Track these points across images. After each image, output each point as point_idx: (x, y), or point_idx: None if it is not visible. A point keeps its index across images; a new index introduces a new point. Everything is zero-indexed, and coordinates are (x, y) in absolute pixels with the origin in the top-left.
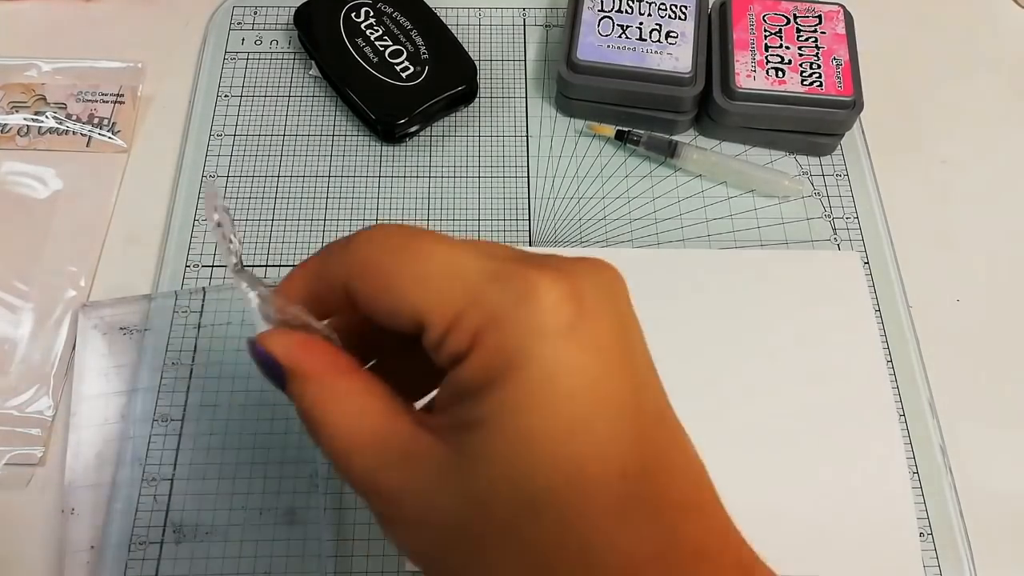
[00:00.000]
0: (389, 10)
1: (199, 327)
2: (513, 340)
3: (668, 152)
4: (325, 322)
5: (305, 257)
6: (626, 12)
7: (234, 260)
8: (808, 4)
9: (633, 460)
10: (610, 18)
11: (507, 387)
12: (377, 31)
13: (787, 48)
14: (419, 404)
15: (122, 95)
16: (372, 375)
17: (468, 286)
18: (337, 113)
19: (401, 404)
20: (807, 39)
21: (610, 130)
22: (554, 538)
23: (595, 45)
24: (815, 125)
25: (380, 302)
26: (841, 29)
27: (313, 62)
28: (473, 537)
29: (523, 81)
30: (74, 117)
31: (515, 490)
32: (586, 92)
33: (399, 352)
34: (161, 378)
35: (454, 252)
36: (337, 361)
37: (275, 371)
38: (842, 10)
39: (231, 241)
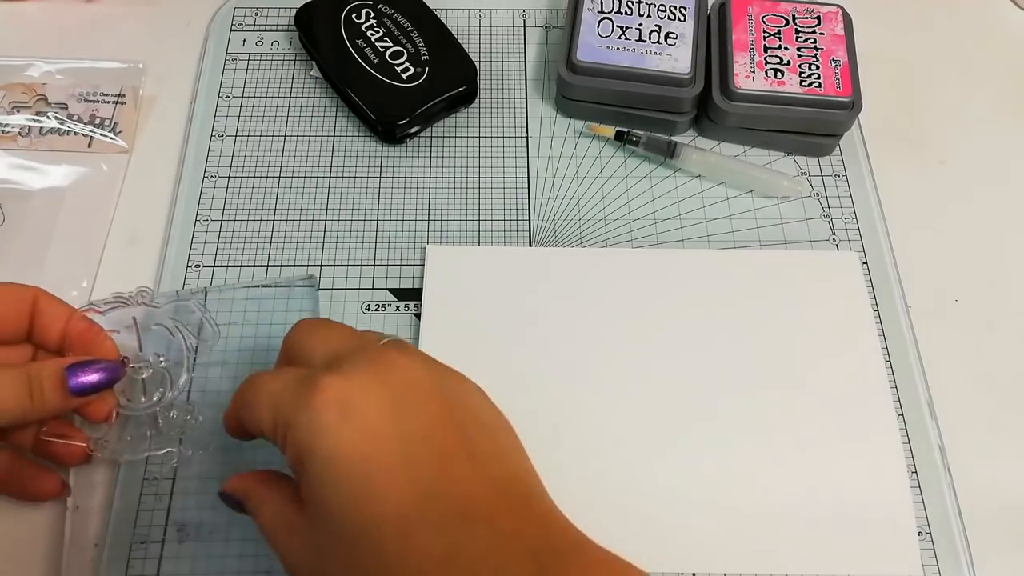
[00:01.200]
0: (389, 11)
1: (200, 326)
2: (301, 439)
3: (667, 153)
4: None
5: (303, 258)
6: (625, 13)
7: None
8: (807, 5)
9: (408, 495)
10: (610, 19)
11: (306, 473)
12: (378, 32)
13: (786, 49)
14: None
15: (123, 95)
16: (278, 478)
17: (275, 402)
18: (338, 114)
19: (293, 490)
20: (806, 40)
21: (609, 131)
22: (366, 560)
23: (595, 46)
24: (814, 126)
25: (248, 424)
26: (840, 30)
27: (314, 63)
28: (323, 570)
29: (523, 82)
30: (75, 117)
31: (334, 540)
32: (586, 93)
33: None
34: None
35: (274, 378)
36: (263, 478)
37: (233, 500)
38: (841, 11)
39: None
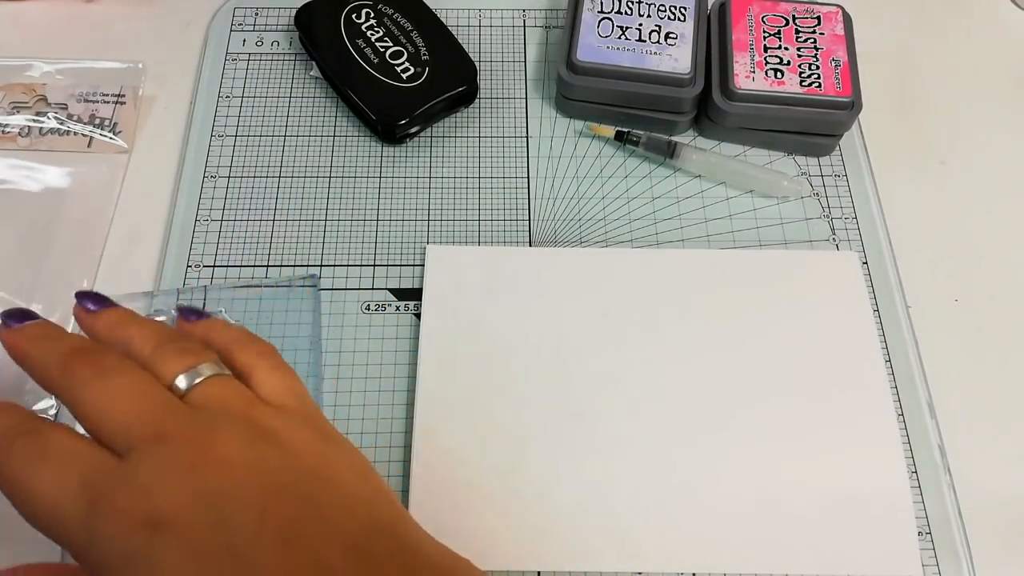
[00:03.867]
0: (390, 11)
1: None
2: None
3: (667, 153)
4: None
5: (303, 258)
6: (625, 13)
7: None
8: (807, 5)
9: None
10: (610, 19)
11: None
12: (378, 32)
13: (786, 49)
14: None
15: (123, 95)
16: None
17: (62, 500)
18: (338, 114)
19: None
20: (806, 40)
21: (610, 131)
22: None
23: (595, 46)
24: (814, 126)
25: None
26: (840, 30)
27: (314, 63)
28: None
29: (523, 82)
30: (75, 118)
31: None
32: (586, 93)
33: None
34: None
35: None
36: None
37: None
38: (841, 11)
39: None
